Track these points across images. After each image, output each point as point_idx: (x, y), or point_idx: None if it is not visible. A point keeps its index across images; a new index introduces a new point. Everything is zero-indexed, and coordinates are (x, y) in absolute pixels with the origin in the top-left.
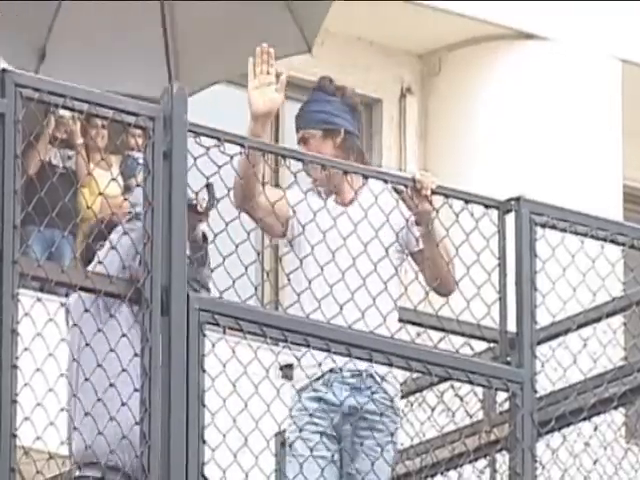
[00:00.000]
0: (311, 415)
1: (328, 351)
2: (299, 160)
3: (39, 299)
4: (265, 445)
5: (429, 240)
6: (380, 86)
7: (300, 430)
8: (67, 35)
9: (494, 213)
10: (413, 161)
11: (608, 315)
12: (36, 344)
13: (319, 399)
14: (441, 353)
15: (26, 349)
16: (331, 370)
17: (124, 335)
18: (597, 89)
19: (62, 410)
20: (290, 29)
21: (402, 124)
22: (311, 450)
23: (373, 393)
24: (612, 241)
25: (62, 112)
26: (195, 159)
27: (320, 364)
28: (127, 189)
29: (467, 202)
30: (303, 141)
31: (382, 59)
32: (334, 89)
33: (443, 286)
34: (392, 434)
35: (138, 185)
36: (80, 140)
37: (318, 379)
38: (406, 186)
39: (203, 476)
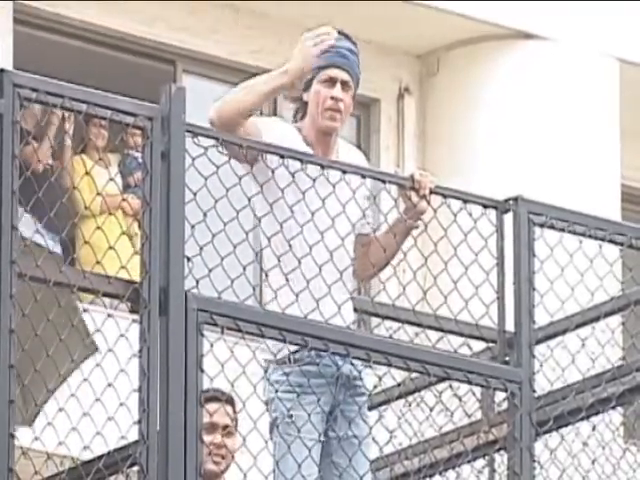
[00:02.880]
0: (311, 392)
1: (326, 351)
2: (298, 160)
3: (36, 299)
4: (264, 446)
5: (400, 235)
6: (378, 86)
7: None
8: None
9: (492, 213)
10: (411, 161)
11: (606, 315)
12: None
13: (316, 373)
14: (439, 353)
15: (24, 350)
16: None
17: None
18: (595, 89)
19: (60, 411)
20: None
21: (400, 124)
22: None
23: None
24: (610, 241)
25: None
26: (193, 159)
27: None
28: (126, 187)
29: (465, 202)
30: (344, 85)
31: (380, 59)
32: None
33: (368, 276)
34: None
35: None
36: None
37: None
38: (404, 186)
39: (201, 476)
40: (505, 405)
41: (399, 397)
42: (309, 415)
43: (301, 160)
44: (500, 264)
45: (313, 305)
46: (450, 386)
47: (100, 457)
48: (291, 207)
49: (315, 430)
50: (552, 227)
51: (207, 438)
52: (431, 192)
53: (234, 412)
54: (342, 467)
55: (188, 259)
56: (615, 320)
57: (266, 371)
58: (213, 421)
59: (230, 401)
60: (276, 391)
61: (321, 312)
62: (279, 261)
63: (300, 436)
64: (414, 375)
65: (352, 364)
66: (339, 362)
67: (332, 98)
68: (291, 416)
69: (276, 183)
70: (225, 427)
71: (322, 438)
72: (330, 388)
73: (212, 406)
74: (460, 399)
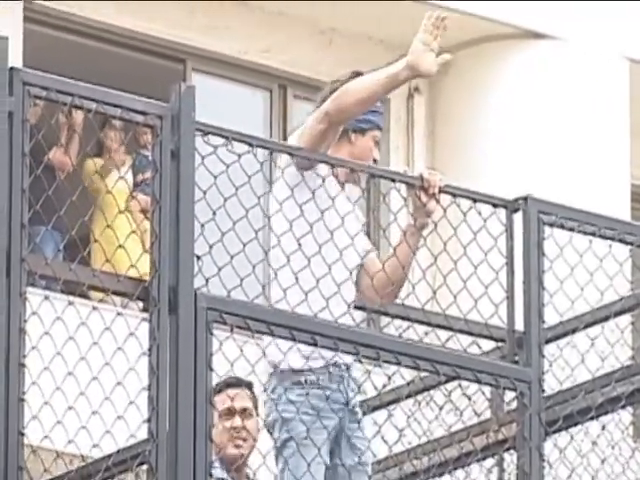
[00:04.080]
0: (320, 415)
1: (337, 350)
2: (306, 159)
3: (47, 297)
4: (273, 445)
5: (412, 241)
6: None
7: (307, 430)
8: None
9: (502, 212)
10: (421, 161)
11: (616, 314)
12: (44, 343)
13: (327, 397)
14: (449, 352)
15: (34, 348)
16: (335, 364)
17: None
18: (604, 89)
19: (69, 409)
20: None
21: (410, 124)
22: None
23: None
24: (620, 240)
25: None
26: (203, 158)
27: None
28: (136, 185)
29: (475, 201)
30: (377, 143)
31: (390, 58)
32: None
33: (390, 294)
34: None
35: None
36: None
37: (320, 372)
38: (414, 185)
39: (211, 475)
40: (514, 404)
41: (408, 396)
42: (326, 439)
43: (307, 158)
44: (510, 263)
45: (322, 304)
46: (459, 385)
47: (109, 456)
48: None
49: (325, 455)
50: (562, 227)
51: (226, 423)
52: (440, 191)
53: (253, 395)
54: None
55: (198, 258)
56: (625, 320)
57: (266, 389)
58: (231, 406)
59: (248, 385)
60: (297, 411)
61: (331, 311)
62: (309, 262)
63: (314, 460)
64: (423, 374)
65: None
66: (350, 393)
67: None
68: (306, 437)
69: (326, 191)
70: (244, 410)
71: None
72: (338, 414)
73: (230, 391)
74: (469, 398)
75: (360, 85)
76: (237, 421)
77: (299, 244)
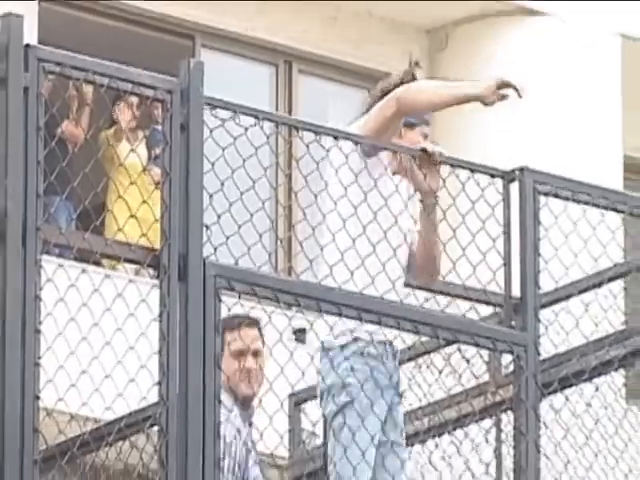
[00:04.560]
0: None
1: (340, 315)
2: (313, 132)
3: (61, 265)
4: (279, 406)
5: (428, 220)
6: (390, 60)
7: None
8: None
9: (499, 182)
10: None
11: (609, 280)
12: (58, 309)
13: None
14: (448, 317)
15: (49, 314)
16: (383, 342)
17: None
18: (598, 64)
19: (83, 373)
20: None
21: None
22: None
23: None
24: (613, 209)
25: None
26: (211, 131)
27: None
28: (151, 159)
29: (473, 172)
30: (425, 137)
31: (392, 34)
32: None
33: (429, 272)
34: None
35: None
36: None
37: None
38: (415, 157)
39: (219, 436)
40: (511, 367)
41: (409, 359)
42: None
43: (314, 132)
44: (506, 232)
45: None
46: (459, 349)
47: (121, 418)
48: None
49: (378, 430)
50: (557, 196)
51: (238, 364)
52: (440, 162)
53: (261, 333)
54: (393, 471)
55: (206, 227)
56: (617, 286)
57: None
58: (246, 347)
59: (258, 323)
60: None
61: (376, 287)
62: (373, 247)
63: (370, 433)
64: (424, 338)
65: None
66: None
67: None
68: (367, 404)
69: (390, 176)
70: (257, 352)
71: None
72: (391, 389)
73: (244, 332)
74: (468, 362)
75: (435, 88)
76: (251, 362)
77: (363, 227)
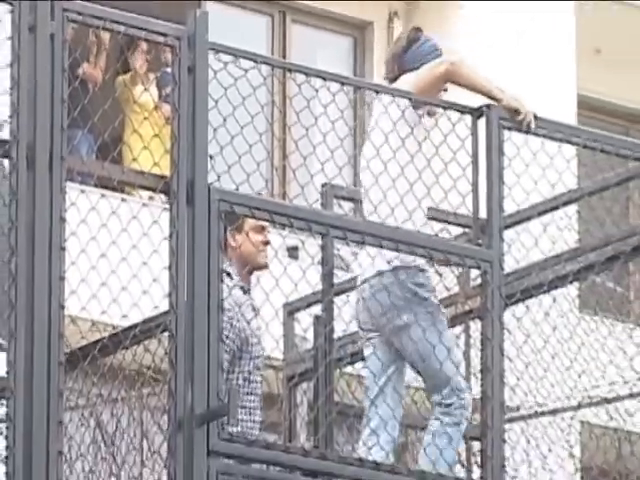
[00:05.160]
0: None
1: (327, 235)
2: (304, 73)
3: (83, 191)
4: (274, 315)
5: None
6: (372, 11)
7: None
8: None
9: (468, 118)
10: None
11: (564, 204)
12: (81, 229)
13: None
14: (423, 236)
15: (72, 234)
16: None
17: None
18: (554, 12)
19: (103, 285)
20: None
21: (390, 44)
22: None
23: None
24: (568, 142)
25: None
26: (215, 73)
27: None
28: (161, 98)
29: (445, 109)
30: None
31: None
32: None
33: None
34: None
35: None
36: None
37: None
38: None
39: (222, 341)
40: (479, 281)
41: None
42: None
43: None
44: (475, 162)
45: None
46: (432, 264)
47: (136, 324)
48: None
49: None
50: (519, 130)
51: (258, 237)
52: (419, 101)
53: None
54: None
55: (211, 157)
56: (572, 209)
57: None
58: (264, 224)
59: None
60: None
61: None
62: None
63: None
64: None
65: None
66: None
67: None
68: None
69: (424, 126)
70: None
71: None
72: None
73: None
74: (440, 275)
75: (478, 74)
76: (268, 236)
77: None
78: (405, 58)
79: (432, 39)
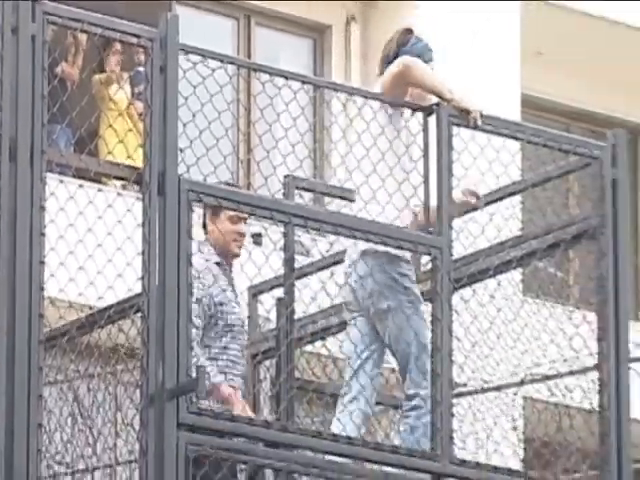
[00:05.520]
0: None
1: (289, 223)
2: (268, 73)
3: (62, 181)
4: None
5: None
6: (330, 14)
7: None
8: None
9: (420, 115)
10: (357, 77)
11: (509, 195)
12: (59, 217)
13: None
14: (378, 225)
15: (52, 221)
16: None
17: None
18: (499, 15)
19: (80, 269)
20: None
21: (347, 47)
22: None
23: None
24: (512, 137)
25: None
26: (185, 72)
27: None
28: (134, 95)
29: (399, 107)
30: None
31: None
32: None
33: None
34: None
35: None
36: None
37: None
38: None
39: (191, 321)
40: (429, 266)
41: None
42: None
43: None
44: (426, 155)
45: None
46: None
47: (111, 306)
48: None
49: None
50: (466, 126)
51: (234, 227)
52: (375, 99)
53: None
54: None
55: (181, 150)
56: (516, 199)
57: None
58: (239, 215)
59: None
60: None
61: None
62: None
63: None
64: (358, 242)
65: None
66: None
67: None
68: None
69: (394, 126)
70: (246, 219)
71: None
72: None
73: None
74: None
75: (430, 76)
76: (244, 228)
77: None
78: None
79: (423, 40)
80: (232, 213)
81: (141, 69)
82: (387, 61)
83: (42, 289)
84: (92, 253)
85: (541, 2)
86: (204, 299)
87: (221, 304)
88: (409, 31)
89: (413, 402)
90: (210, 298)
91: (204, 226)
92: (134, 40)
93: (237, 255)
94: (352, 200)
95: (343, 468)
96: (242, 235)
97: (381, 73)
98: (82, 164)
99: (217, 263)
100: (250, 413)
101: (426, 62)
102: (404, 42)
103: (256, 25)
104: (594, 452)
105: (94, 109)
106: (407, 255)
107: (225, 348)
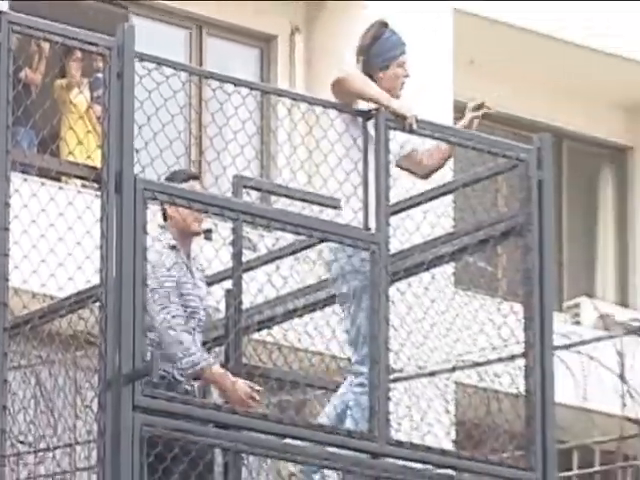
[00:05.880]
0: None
1: (237, 220)
2: (217, 79)
3: (25, 179)
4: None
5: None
6: (276, 25)
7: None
8: None
9: (360, 119)
10: (301, 84)
11: (442, 194)
12: (23, 213)
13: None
14: (321, 221)
15: (16, 217)
16: None
17: None
18: (433, 27)
19: (42, 261)
20: None
21: (292, 56)
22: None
23: None
24: (445, 140)
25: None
26: (141, 78)
27: None
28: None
29: (340, 111)
30: (403, 64)
31: (279, 4)
32: None
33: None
34: None
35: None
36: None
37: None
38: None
39: (145, 310)
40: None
41: (291, 253)
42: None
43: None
44: (365, 157)
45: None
46: (328, 247)
47: (71, 296)
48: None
49: None
50: (402, 130)
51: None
52: (320, 105)
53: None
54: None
55: (136, 151)
56: (448, 198)
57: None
58: (197, 216)
59: (199, 177)
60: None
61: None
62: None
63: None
64: (301, 237)
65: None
66: None
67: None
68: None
69: (350, 133)
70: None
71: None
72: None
73: (194, 183)
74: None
75: (367, 86)
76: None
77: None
78: (371, 53)
79: (396, 33)
80: (402, 61)
81: (100, 75)
82: (361, 52)
83: (7, 280)
84: (54, 247)
85: (472, 15)
86: (169, 283)
87: (175, 287)
88: (384, 24)
89: (360, 379)
90: (177, 284)
91: (164, 213)
92: (93, 48)
93: (197, 233)
94: (337, 208)
95: (286, 448)
96: (201, 215)
97: (357, 62)
98: (44, 164)
99: (172, 247)
100: (242, 387)
101: (399, 55)
102: (378, 35)
103: (207, 35)
104: (520, 434)
105: (56, 112)
106: None
107: (194, 330)
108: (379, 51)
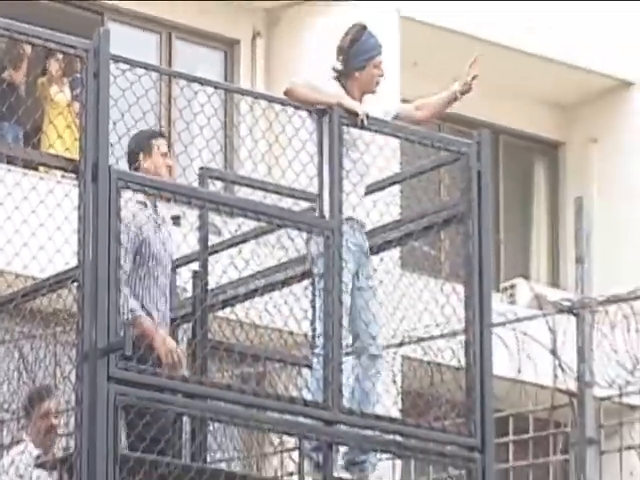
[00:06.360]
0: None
1: (203, 208)
2: (185, 79)
3: (9, 170)
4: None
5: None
6: (239, 30)
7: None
8: None
9: (315, 117)
10: (262, 86)
11: (391, 184)
12: (7, 201)
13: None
14: (279, 209)
15: (0, 204)
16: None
17: None
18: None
19: (24, 245)
20: None
21: (254, 59)
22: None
23: None
24: (393, 136)
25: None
26: (115, 78)
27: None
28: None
29: (297, 109)
30: (379, 64)
31: (241, 11)
32: None
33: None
34: None
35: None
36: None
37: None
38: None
39: (125, 323)
40: (303, 244)
41: (254, 237)
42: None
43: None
44: (320, 151)
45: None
46: (286, 232)
47: (51, 277)
48: None
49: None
50: (354, 126)
51: (165, 160)
52: (283, 104)
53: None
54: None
55: (111, 145)
56: (396, 188)
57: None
58: (169, 163)
59: (165, 134)
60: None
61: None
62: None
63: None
64: (262, 224)
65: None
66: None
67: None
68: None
69: (317, 129)
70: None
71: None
72: (356, 255)
73: (161, 140)
74: (293, 240)
75: (315, 92)
76: (169, 162)
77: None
78: (350, 53)
79: (374, 36)
80: (164, 150)
81: (79, 75)
82: (341, 52)
83: None
84: (35, 232)
85: (416, 20)
86: (130, 235)
87: (145, 241)
88: (363, 27)
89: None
90: (134, 237)
91: (136, 169)
92: (71, 51)
93: (169, 174)
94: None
95: (249, 416)
96: (170, 167)
97: (337, 60)
98: (27, 155)
99: (142, 203)
100: (172, 343)
101: (375, 56)
102: (357, 37)
103: (176, 39)
104: (461, 403)
105: (38, 109)
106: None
107: (148, 286)
108: (357, 52)
